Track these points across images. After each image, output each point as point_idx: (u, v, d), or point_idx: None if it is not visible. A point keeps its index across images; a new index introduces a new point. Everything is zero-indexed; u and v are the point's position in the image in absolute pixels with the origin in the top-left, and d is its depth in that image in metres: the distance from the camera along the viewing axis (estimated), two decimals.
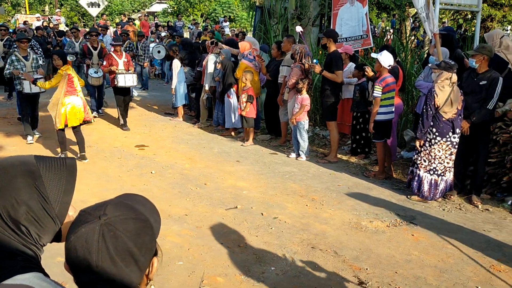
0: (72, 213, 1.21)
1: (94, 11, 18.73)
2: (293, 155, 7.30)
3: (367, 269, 3.92)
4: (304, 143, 7.14)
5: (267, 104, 8.60)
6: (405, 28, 13.36)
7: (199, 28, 19.88)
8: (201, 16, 33.77)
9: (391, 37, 12.02)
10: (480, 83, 5.35)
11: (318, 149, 7.87)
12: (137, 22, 21.78)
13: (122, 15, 25.86)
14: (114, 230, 1.01)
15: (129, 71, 8.88)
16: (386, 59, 6.05)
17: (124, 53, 9.16)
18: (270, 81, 8.14)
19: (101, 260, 1.00)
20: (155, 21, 24.82)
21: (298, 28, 7.88)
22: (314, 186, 6.00)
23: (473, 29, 11.06)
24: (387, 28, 20.50)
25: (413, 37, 12.72)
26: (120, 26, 18.58)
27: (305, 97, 7.04)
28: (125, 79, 8.68)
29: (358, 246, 4.34)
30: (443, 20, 20.74)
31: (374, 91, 6.09)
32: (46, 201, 1.15)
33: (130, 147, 7.79)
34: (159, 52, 13.01)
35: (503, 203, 5.46)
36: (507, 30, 17.85)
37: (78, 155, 6.92)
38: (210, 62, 8.85)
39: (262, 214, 5.03)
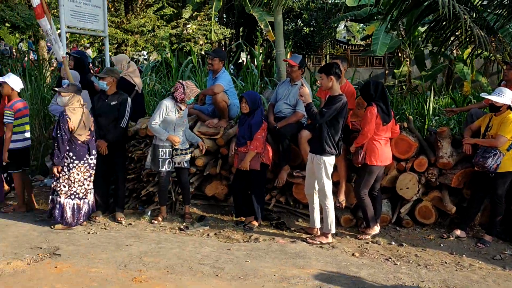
0: None
1: None
2: None
3: None
4: None
5: None
6: (42, 49, 12.82)
7: None
8: None
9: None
10: (111, 104, 5.58)
11: None
12: None
13: None
14: None
15: None
16: (15, 83, 5.61)
17: None
18: None
19: None
20: None
21: None
22: None
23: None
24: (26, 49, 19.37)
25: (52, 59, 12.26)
26: None
27: None
28: None
29: None
30: (85, 44, 21.00)
31: (5, 117, 5.54)
32: None
33: None
34: None
35: (143, 215, 5.85)
36: (144, 55, 19.45)
37: None
38: None
39: None
